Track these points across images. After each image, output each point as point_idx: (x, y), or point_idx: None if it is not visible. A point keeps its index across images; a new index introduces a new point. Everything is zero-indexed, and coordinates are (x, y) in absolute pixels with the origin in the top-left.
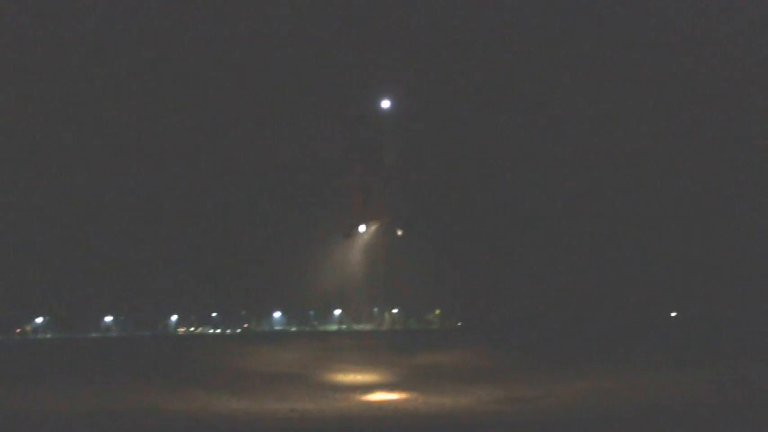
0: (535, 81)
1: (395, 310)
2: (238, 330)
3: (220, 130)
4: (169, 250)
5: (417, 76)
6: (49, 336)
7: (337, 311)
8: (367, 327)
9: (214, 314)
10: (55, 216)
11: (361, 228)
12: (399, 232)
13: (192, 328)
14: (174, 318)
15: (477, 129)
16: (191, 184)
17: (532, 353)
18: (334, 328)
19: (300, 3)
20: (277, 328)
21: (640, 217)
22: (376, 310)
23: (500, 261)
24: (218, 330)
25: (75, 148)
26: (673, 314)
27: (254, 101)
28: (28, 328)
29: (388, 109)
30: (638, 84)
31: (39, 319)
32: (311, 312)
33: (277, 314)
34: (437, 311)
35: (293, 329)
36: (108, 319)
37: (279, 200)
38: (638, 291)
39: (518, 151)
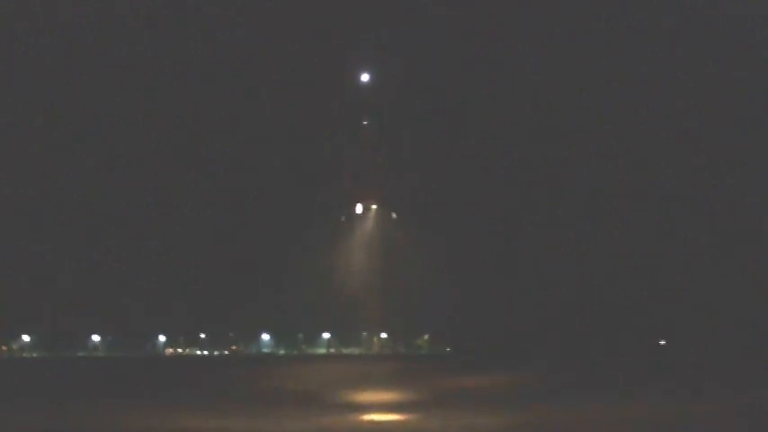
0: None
1: (383, 335)
2: (226, 352)
3: (207, 141)
4: (157, 270)
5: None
6: (35, 354)
7: (326, 335)
8: (355, 351)
9: (202, 335)
10: (43, 233)
11: (358, 208)
12: (394, 215)
13: (179, 350)
14: (162, 338)
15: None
16: (179, 202)
17: (530, 379)
18: (322, 351)
19: None
20: (265, 350)
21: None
22: (365, 334)
23: (491, 287)
24: (206, 352)
25: (66, 161)
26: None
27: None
28: (14, 346)
29: (369, 85)
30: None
31: (25, 338)
32: (299, 335)
33: (265, 336)
34: (425, 337)
35: (282, 352)
36: (95, 338)
37: (267, 214)
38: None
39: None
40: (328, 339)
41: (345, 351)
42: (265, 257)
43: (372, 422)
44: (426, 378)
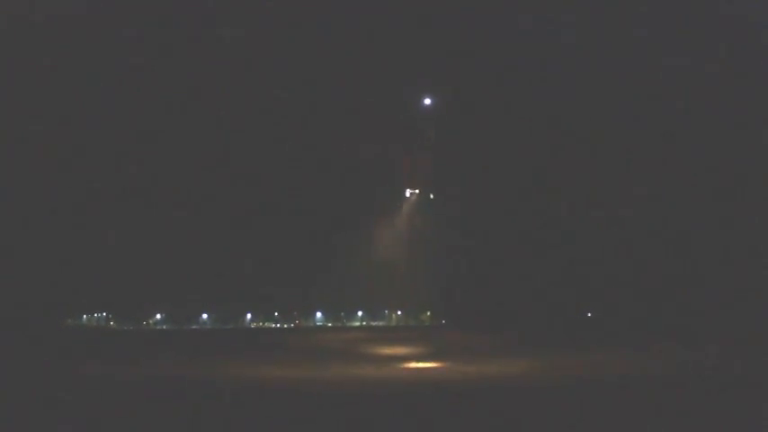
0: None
1: (399, 312)
2: (292, 325)
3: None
4: (247, 267)
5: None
6: (164, 327)
7: (360, 312)
8: (380, 323)
9: (276, 313)
10: (163, 230)
11: (407, 192)
12: (431, 196)
13: (261, 323)
14: (249, 316)
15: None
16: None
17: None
18: (357, 323)
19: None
20: (318, 323)
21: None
22: (386, 311)
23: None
24: (278, 324)
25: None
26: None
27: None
28: (151, 321)
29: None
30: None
31: (158, 316)
32: (342, 313)
33: (319, 314)
34: (428, 313)
35: (329, 324)
36: (204, 316)
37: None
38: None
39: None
40: (361, 315)
41: (373, 323)
42: (322, 260)
43: (413, 369)
44: (430, 338)
